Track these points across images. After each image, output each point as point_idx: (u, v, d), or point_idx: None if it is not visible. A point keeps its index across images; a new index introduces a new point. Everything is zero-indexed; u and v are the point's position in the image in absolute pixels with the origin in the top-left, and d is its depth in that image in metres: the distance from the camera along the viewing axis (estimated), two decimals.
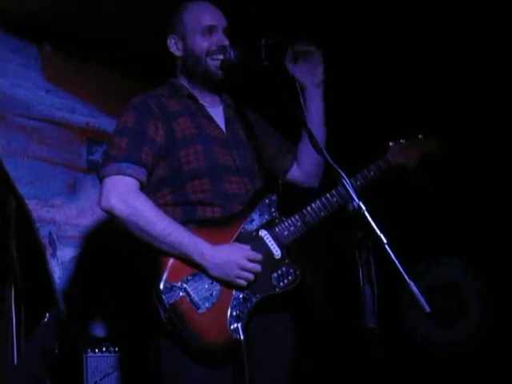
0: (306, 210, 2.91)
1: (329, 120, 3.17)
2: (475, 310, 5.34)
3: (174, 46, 3.06)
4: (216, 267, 2.68)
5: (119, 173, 2.75)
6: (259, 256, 2.75)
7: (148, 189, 2.85)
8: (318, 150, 2.58)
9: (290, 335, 2.99)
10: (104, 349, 3.81)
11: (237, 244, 2.77)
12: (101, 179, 2.80)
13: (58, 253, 4.22)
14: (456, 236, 5.21)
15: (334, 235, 2.98)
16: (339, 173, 2.44)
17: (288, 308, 2.96)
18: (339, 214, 2.81)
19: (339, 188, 2.91)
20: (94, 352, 3.78)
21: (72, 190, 4.42)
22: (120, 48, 4.56)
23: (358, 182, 3.04)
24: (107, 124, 4.69)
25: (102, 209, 2.76)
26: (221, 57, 2.96)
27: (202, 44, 2.99)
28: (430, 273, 5.49)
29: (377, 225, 2.31)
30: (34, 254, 4.13)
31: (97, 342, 3.94)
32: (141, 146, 2.80)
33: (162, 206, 2.81)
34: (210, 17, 3.01)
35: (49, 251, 4.18)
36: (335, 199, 2.93)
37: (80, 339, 3.99)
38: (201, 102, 3.04)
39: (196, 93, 3.05)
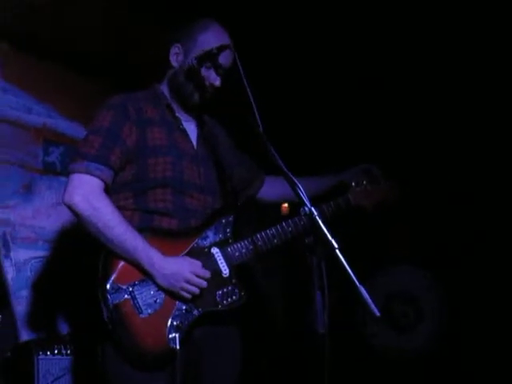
0: (260, 235, 2.94)
1: None
2: (432, 318, 5.37)
3: (174, 56, 3.05)
4: (163, 277, 2.72)
5: (87, 172, 2.80)
6: (207, 273, 2.79)
7: (111, 189, 2.89)
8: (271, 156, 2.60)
9: (235, 349, 3.02)
10: (56, 351, 3.77)
11: (188, 258, 2.80)
12: (68, 174, 2.84)
13: (12, 254, 4.18)
14: (415, 245, 5.26)
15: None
16: (292, 180, 2.48)
17: (234, 324, 3.00)
18: None
19: (296, 218, 2.96)
20: (46, 354, 3.73)
21: (27, 191, 4.37)
22: (79, 48, 4.53)
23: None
24: (64, 125, 4.69)
25: (64, 203, 2.80)
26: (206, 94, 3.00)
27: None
28: (388, 281, 5.52)
29: (329, 230, 2.33)
30: None
31: (53, 340, 3.90)
32: (112, 148, 2.83)
33: (121, 208, 2.84)
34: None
35: (2, 252, 4.13)
36: (290, 229, 2.96)
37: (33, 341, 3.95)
38: (177, 114, 3.06)
39: (174, 105, 3.07)
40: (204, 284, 2.76)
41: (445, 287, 5.27)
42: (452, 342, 5.08)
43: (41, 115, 4.57)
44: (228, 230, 2.94)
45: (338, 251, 2.27)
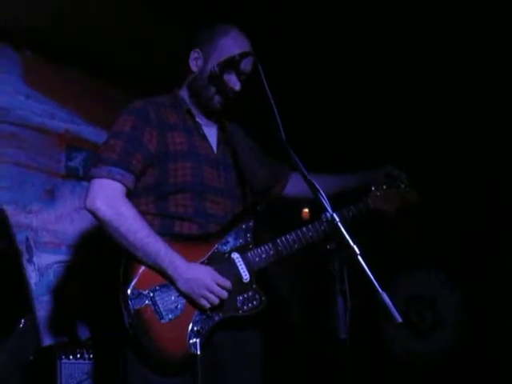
0: (281, 240, 2.93)
1: None
2: (451, 322, 5.35)
3: (194, 61, 3.05)
4: (185, 282, 2.71)
5: (109, 176, 2.79)
6: (228, 283, 2.77)
7: (132, 193, 2.88)
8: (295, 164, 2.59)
9: (256, 353, 3.01)
10: (78, 356, 3.78)
11: (210, 268, 2.79)
12: (90, 178, 2.83)
13: (35, 259, 4.20)
14: (434, 249, 5.24)
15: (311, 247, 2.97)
16: (314, 186, 2.47)
17: (255, 328, 2.98)
18: None
19: (316, 223, 2.95)
20: (69, 359, 3.74)
21: (50, 196, 4.40)
22: (101, 54, 4.56)
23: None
24: (87, 130, 4.72)
25: (86, 209, 2.80)
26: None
27: None
28: (407, 285, 5.50)
29: (350, 236, 2.32)
30: (10, 259, 4.10)
31: (75, 345, 3.91)
32: (133, 153, 2.83)
33: (142, 213, 2.83)
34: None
35: (25, 257, 4.15)
36: (310, 233, 2.95)
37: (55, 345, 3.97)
38: (197, 119, 3.06)
39: (194, 110, 3.07)
40: (224, 294, 2.75)
41: (466, 293, 5.26)
42: (472, 344, 5.07)
43: (64, 121, 4.60)
44: (248, 235, 2.93)
45: (359, 257, 2.26)
